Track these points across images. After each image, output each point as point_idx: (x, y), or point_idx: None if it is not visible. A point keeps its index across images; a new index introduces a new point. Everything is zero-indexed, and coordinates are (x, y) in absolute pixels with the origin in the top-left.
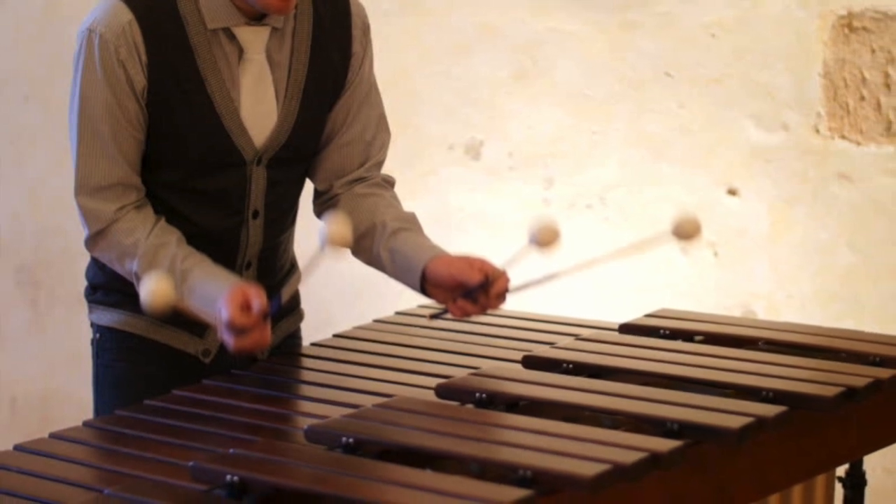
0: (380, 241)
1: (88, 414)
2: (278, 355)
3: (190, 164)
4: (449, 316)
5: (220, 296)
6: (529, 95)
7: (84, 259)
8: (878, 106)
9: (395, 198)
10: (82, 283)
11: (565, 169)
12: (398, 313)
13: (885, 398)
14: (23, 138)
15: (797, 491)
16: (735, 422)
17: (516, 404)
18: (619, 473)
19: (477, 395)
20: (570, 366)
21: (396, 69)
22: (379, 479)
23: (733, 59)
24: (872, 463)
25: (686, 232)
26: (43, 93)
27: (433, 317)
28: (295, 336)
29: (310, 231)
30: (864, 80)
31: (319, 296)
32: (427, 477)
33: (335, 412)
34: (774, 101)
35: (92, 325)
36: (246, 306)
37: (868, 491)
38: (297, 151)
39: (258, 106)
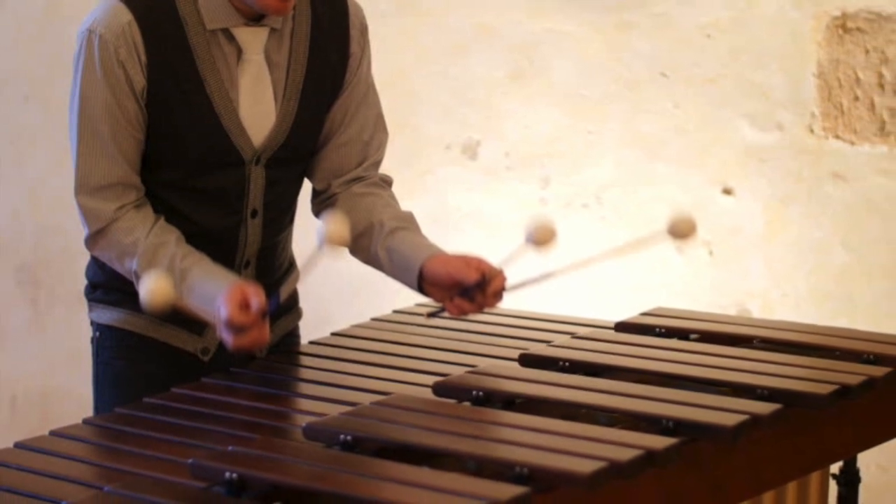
0: (377, 240)
1: (88, 411)
2: (277, 353)
3: (189, 163)
4: (446, 314)
5: (218, 294)
6: (526, 95)
7: (84, 258)
8: (872, 106)
9: (392, 197)
10: (82, 282)
11: (561, 168)
12: (396, 312)
13: (879, 396)
14: (23, 138)
15: (792, 488)
16: (730, 419)
17: (513, 402)
18: (615, 471)
19: (474, 392)
20: (567, 364)
21: (394, 69)
22: (377, 477)
23: (728, 59)
24: (866, 460)
25: (681, 231)
26: (43, 93)
27: (430, 315)
28: (293, 334)
29: (308, 230)
30: (858, 80)
31: (318, 294)
32: (424, 474)
33: (333, 410)
34: (769, 101)
35: (92, 323)
36: (245, 305)
37: (862, 488)
38: (296, 151)
39: (257, 106)
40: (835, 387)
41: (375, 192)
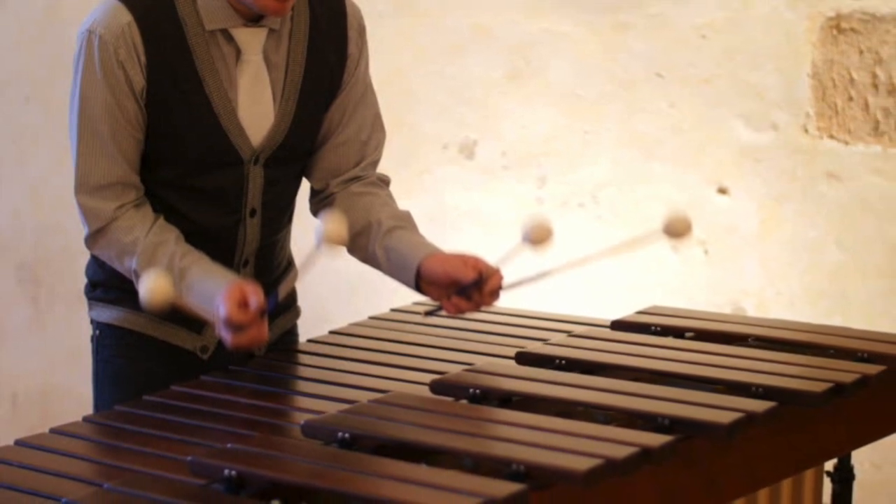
0: (375, 239)
1: (88, 409)
2: (275, 351)
3: (188, 163)
4: (443, 313)
5: (217, 293)
6: (523, 95)
7: (84, 257)
8: (866, 106)
9: (390, 196)
10: (82, 281)
11: (558, 168)
12: (393, 310)
13: (873, 394)
14: (24, 138)
15: (786, 485)
16: (725, 417)
17: (510, 400)
18: (611, 468)
19: (471, 390)
20: (563, 362)
21: (391, 69)
22: (374, 474)
23: (723, 59)
24: (860, 458)
25: (677, 230)
26: (44, 93)
27: (428, 314)
28: (292, 332)
29: (306, 229)
30: (852, 80)
31: (316, 293)
32: (422, 471)
33: (331, 408)
34: (764, 102)
35: (92, 321)
36: (243, 303)
37: (856, 485)
38: (294, 151)
39: (255, 106)
40: (829, 385)
41: (373, 192)
